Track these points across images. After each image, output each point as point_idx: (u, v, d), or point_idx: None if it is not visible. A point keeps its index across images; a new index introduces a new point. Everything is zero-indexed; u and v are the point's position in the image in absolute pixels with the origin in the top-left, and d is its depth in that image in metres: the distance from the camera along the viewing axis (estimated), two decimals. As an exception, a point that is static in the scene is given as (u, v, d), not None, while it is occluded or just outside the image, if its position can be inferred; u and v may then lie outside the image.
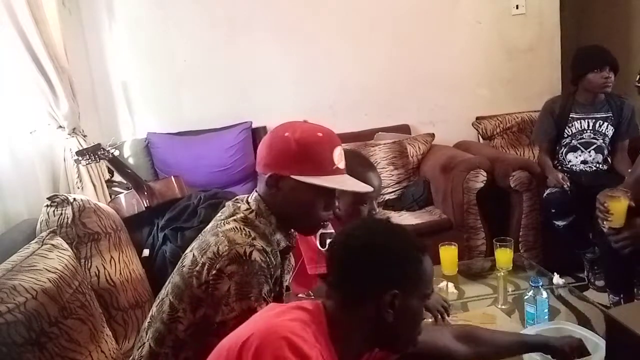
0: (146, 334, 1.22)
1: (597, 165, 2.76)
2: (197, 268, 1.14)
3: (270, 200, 1.24)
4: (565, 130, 2.78)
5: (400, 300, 0.95)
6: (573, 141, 2.77)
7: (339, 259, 1.02)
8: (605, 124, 2.72)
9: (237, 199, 1.30)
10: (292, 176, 1.19)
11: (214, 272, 1.11)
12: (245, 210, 1.23)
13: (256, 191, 1.27)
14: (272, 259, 1.18)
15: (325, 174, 1.19)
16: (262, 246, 1.15)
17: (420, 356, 1.18)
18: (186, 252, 1.24)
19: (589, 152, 2.76)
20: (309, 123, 1.27)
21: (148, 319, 1.25)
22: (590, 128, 2.74)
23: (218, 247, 1.13)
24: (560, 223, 2.59)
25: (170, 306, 1.17)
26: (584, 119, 2.74)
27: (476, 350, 1.27)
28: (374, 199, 1.66)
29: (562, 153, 2.82)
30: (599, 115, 2.73)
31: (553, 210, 2.61)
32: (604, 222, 1.78)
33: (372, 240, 0.99)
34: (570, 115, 2.76)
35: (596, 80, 2.64)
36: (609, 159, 2.78)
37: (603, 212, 1.77)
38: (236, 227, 1.18)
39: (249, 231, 1.18)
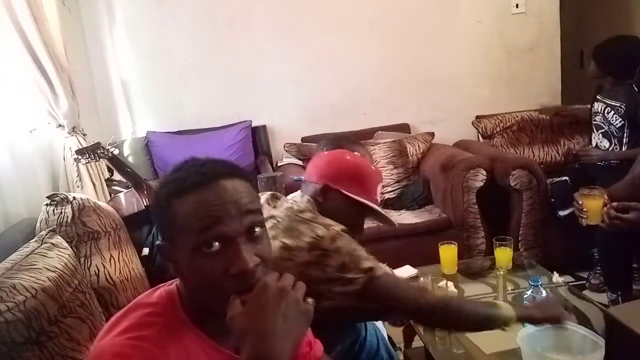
0: None
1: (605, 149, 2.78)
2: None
3: (318, 208, 1.38)
4: (592, 107, 2.86)
5: (172, 252, 0.81)
6: (594, 120, 2.84)
7: None
8: (612, 112, 2.71)
9: (274, 195, 1.47)
10: (342, 190, 1.38)
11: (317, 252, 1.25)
12: (305, 207, 1.36)
13: (306, 195, 1.41)
14: None
15: (366, 198, 1.39)
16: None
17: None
18: None
19: (599, 134, 2.81)
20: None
21: None
22: (601, 112, 2.78)
23: (316, 232, 1.27)
24: (561, 213, 2.65)
25: None
26: (600, 101, 2.79)
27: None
28: None
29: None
30: (610, 102, 2.74)
31: (553, 200, 2.70)
32: (581, 220, 1.83)
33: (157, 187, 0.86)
34: (597, 96, 2.82)
35: None
36: (616, 149, 2.75)
37: (579, 210, 1.82)
38: (313, 216, 1.34)
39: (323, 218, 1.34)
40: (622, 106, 2.67)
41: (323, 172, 1.42)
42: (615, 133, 2.72)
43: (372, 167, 1.45)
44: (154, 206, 0.84)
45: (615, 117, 2.70)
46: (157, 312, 0.81)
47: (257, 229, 0.82)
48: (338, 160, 1.44)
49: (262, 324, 0.74)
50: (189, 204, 0.78)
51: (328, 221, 1.32)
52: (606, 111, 2.74)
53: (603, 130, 2.78)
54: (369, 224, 2.67)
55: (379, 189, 1.44)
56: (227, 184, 0.80)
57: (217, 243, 0.77)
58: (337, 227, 1.29)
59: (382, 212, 1.45)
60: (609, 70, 2.70)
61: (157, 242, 0.84)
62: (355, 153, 1.51)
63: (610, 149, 2.75)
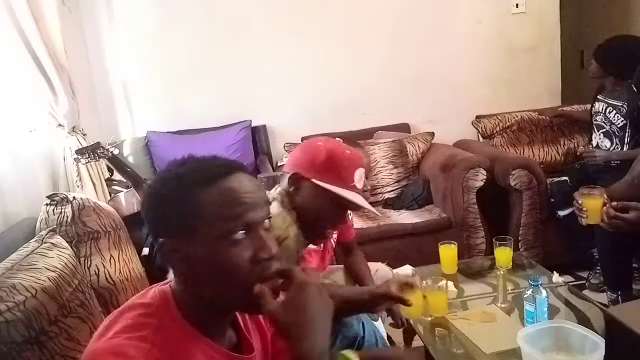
0: None
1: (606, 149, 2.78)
2: None
3: (290, 198, 1.33)
4: (592, 107, 2.87)
5: (181, 247, 0.78)
6: (594, 120, 2.84)
7: None
8: (614, 111, 2.72)
9: None
10: (313, 180, 1.28)
11: None
12: (272, 199, 1.28)
13: (279, 186, 1.35)
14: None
15: (342, 186, 1.29)
16: (295, 233, 1.24)
17: None
18: None
19: (600, 134, 2.81)
20: (343, 142, 1.39)
21: None
22: (602, 111, 2.78)
23: None
24: (561, 213, 2.67)
25: None
26: (601, 101, 2.79)
27: None
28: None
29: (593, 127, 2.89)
30: (611, 102, 2.74)
31: (553, 200, 2.71)
32: (581, 220, 1.83)
33: (149, 186, 0.85)
34: (597, 96, 2.83)
35: None
36: (617, 149, 2.74)
37: (578, 210, 1.82)
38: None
39: (284, 217, 1.26)
40: (624, 106, 2.66)
41: (294, 160, 1.35)
42: (616, 132, 2.72)
43: (348, 152, 1.33)
44: (160, 201, 0.80)
45: (617, 117, 2.70)
46: (150, 312, 0.81)
47: (269, 220, 0.85)
48: (309, 148, 1.36)
49: (305, 320, 0.77)
50: (216, 193, 0.78)
51: (280, 221, 1.23)
52: (607, 111, 2.74)
53: (604, 130, 2.78)
54: (369, 223, 2.69)
55: (358, 175, 1.31)
56: (245, 176, 0.83)
57: (242, 231, 0.79)
58: (283, 231, 1.20)
59: (360, 201, 1.32)
60: (611, 69, 2.71)
61: (160, 240, 0.80)
62: (337, 139, 1.39)
63: (612, 148, 2.74)
